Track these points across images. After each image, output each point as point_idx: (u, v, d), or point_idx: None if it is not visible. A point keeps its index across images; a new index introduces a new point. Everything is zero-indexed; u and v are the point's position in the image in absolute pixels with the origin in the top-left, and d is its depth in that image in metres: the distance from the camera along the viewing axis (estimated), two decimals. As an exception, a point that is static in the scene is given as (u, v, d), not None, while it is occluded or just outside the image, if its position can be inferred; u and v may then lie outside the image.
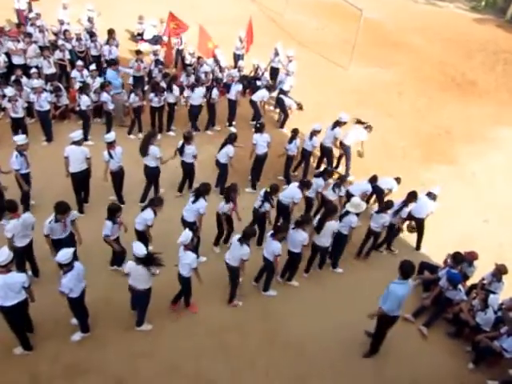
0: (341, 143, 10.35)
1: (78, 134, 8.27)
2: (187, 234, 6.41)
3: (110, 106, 10.50)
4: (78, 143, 8.18)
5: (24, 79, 10.60)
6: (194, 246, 6.86)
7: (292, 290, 7.80)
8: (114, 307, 6.86)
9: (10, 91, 9.59)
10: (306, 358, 6.67)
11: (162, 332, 6.71)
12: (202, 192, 7.46)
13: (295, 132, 9.73)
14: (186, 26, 12.93)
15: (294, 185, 8.36)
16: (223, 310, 7.20)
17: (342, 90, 14.40)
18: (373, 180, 9.06)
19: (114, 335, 6.57)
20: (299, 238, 7.20)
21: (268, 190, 7.92)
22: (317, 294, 7.79)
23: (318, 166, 10.73)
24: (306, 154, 10.12)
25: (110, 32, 12.36)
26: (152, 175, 8.83)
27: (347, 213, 7.74)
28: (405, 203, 8.32)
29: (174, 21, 12.74)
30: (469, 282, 7.82)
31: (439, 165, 11.65)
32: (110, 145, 8.27)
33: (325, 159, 10.60)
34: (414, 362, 6.84)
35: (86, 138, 10.38)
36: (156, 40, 14.75)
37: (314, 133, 9.87)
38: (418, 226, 8.83)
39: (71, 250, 5.84)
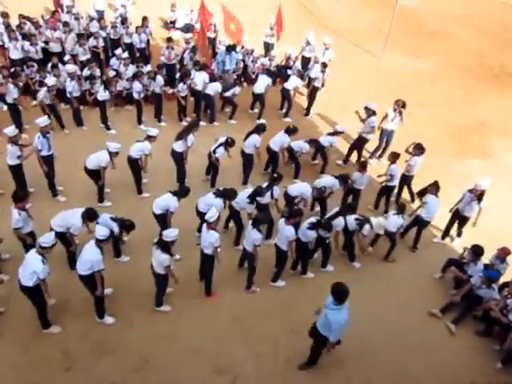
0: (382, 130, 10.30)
1: (115, 145, 8.12)
2: (214, 212, 6.48)
3: (142, 95, 10.65)
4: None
5: (60, 66, 10.87)
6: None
7: (314, 279, 7.78)
8: (140, 289, 7.04)
9: (51, 80, 9.81)
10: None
11: (185, 315, 6.87)
12: (225, 195, 7.43)
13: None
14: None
15: (305, 183, 8.27)
16: (246, 297, 7.28)
17: (373, 80, 14.15)
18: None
19: (140, 317, 6.77)
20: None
21: (275, 175, 7.90)
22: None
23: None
24: (320, 149, 9.94)
25: (143, 19, 12.52)
26: (177, 159, 8.89)
27: (367, 221, 7.58)
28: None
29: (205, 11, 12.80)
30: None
31: (472, 158, 11.31)
32: (152, 138, 8.42)
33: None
34: (440, 359, 6.75)
35: (107, 128, 10.68)
36: (188, 28, 14.85)
37: (335, 133, 9.78)
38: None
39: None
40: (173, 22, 15.42)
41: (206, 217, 6.48)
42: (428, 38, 17.02)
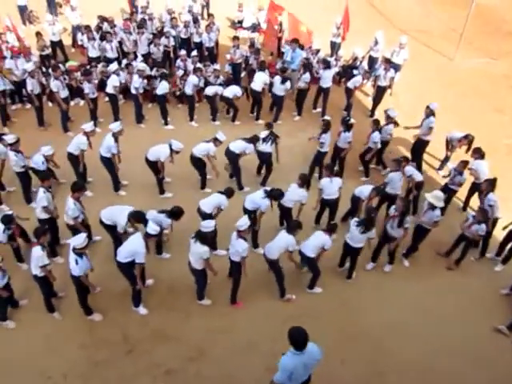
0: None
1: (178, 144, 8.38)
2: (245, 220, 6.45)
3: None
4: None
5: (133, 64, 11.42)
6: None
7: (373, 281, 7.62)
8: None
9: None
10: (384, 353, 6.53)
11: (241, 311, 6.98)
12: (273, 196, 7.43)
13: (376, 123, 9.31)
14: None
15: (369, 186, 8.00)
16: (301, 298, 7.26)
17: (444, 82, 13.59)
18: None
19: (197, 309, 6.97)
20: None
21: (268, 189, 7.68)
22: (399, 287, 7.55)
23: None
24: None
25: (209, 16, 12.87)
26: (231, 158, 8.88)
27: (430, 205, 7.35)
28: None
29: (276, 10, 12.81)
30: None
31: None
32: (217, 142, 8.55)
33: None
34: (506, 376, 6.37)
35: (166, 123, 11.02)
36: (254, 27, 15.02)
37: (388, 118, 9.42)
38: None
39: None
40: (240, 22, 15.69)
41: (237, 224, 6.44)
42: (506, 39, 16.03)
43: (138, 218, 6.80)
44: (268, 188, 7.56)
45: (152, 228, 6.25)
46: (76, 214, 6.98)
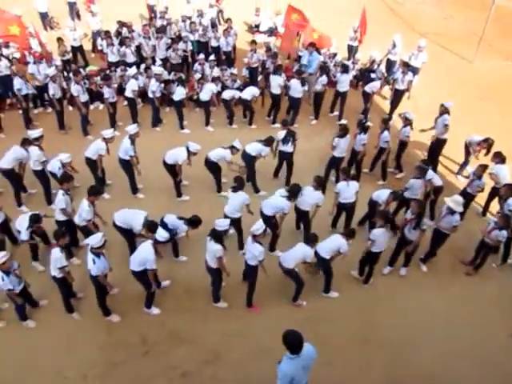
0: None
1: (195, 146, 8.48)
2: (260, 224, 6.45)
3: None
4: None
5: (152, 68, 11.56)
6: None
7: (390, 286, 7.55)
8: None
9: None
10: (403, 361, 6.44)
11: (257, 315, 6.97)
12: (293, 194, 7.41)
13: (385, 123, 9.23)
14: (306, 21, 12.88)
15: (387, 190, 7.88)
16: (318, 302, 7.22)
17: (464, 84, 13.43)
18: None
19: (214, 311, 6.99)
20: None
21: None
22: (416, 293, 7.46)
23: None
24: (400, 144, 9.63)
25: (226, 21, 12.97)
26: (246, 161, 8.90)
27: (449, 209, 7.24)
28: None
29: (295, 12, 12.80)
30: None
31: None
32: (234, 149, 8.58)
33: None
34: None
35: (181, 127, 11.11)
36: (271, 31, 15.08)
37: (406, 120, 9.31)
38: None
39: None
40: (257, 26, 15.78)
41: (252, 229, 6.43)
42: (527, 41, 15.77)
43: (151, 227, 6.69)
44: (284, 192, 7.56)
45: (161, 235, 6.33)
46: (89, 217, 7.09)
